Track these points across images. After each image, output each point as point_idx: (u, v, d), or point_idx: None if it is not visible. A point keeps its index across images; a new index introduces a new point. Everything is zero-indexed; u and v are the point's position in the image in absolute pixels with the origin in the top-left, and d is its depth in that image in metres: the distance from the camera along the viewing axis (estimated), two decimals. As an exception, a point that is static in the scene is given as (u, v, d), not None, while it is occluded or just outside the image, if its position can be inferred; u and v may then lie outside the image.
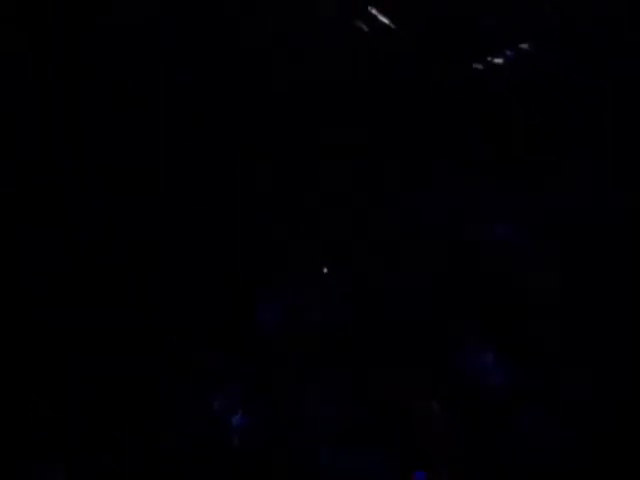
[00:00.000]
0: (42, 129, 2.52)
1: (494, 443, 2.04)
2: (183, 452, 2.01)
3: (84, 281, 2.31)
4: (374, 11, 2.79)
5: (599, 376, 2.12)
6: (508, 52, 2.74)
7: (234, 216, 2.51)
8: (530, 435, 2.05)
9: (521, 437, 2.05)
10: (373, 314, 2.30)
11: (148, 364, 2.18)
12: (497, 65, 2.75)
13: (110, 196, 2.47)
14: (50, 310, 2.25)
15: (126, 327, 2.23)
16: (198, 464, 2.00)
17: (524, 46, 2.75)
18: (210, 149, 2.63)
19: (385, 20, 2.82)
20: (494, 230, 2.43)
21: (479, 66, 2.74)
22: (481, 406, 2.11)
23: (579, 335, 2.21)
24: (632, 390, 2.11)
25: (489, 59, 2.74)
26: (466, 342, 2.22)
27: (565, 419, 2.07)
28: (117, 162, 2.54)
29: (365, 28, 2.78)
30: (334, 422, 2.07)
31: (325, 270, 2.38)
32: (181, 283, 2.35)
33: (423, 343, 2.23)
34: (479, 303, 2.30)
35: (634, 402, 2.08)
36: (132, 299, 2.30)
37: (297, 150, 2.67)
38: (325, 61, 2.79)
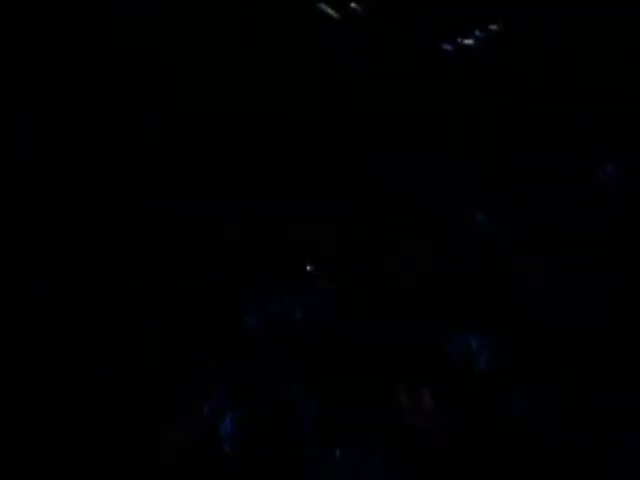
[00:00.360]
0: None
1: (487, 434, 2.04)
2: (175, 458, 2.00)
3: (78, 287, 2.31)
4: None
5: (595, 365, 2.13)
6: (478, 33, 2.72)
7: (220, 214, 2.51)
8: (523, 422, 2.06)
9: (514, 424, 2.05)
10: (362, 312, 2.30)
11: (138, 369, 2.18)
12: (467, 46, 2.74)
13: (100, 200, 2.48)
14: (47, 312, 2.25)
15: (116, 332, 2.23)
16: (190, 471, 2.00)
17: (494, 27, 2.73)
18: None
19: (353, 4, 2.83)
20: (488, 226, 2.43)
21: (449, 47, 2.73)
22: (474, 397, 2.11)
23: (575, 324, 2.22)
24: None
25: (459, 40, 2.73)
26: (459, 334, 2.21)
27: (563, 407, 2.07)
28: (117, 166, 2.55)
29: (334, 14, 2.78)
30: (328, 422, 2.07)
31: (312, 268, 2.38)
32: (167, 284, 2.35)
33: (413, 338, 2.23)
34: (473, 295, 2.30)
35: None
36: (121, 303, 2.29)
37: (275, 142, 2.67)
38: (292, 46, 2.79)
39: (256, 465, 2.00)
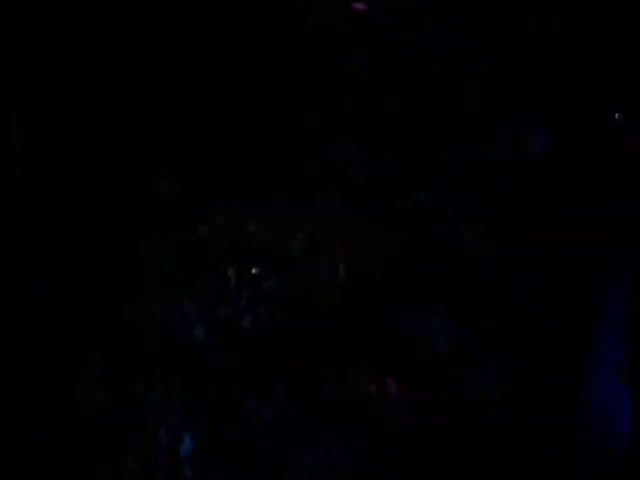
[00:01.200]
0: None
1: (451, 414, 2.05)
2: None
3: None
4: None
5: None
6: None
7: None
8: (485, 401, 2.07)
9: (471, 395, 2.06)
10: (306, 308, 2.31)
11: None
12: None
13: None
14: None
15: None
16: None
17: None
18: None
19: None
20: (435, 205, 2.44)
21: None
22: (435, 379, 2.11)
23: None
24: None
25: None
26: (416, 318, 2.22)
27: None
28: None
29: None
30: (293, 423, 2.06)
31: (255, 271, 2.39)
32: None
33: (370, 327, 2.24)
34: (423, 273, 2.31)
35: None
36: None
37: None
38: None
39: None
